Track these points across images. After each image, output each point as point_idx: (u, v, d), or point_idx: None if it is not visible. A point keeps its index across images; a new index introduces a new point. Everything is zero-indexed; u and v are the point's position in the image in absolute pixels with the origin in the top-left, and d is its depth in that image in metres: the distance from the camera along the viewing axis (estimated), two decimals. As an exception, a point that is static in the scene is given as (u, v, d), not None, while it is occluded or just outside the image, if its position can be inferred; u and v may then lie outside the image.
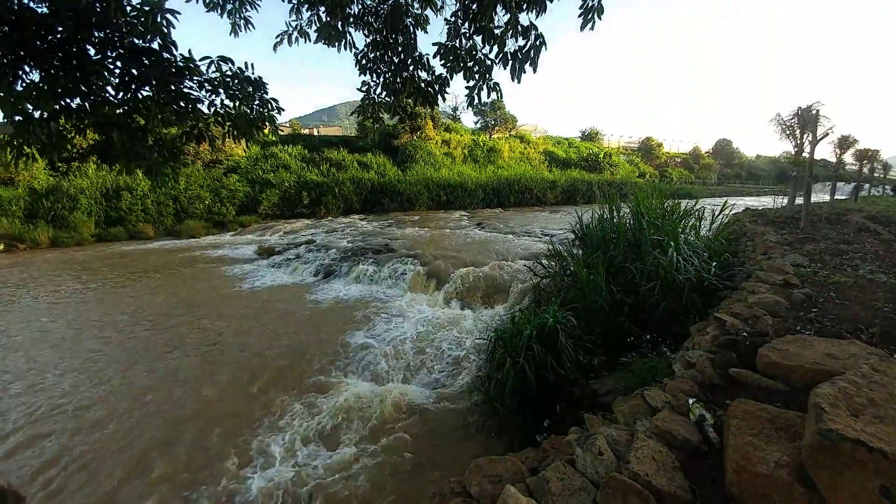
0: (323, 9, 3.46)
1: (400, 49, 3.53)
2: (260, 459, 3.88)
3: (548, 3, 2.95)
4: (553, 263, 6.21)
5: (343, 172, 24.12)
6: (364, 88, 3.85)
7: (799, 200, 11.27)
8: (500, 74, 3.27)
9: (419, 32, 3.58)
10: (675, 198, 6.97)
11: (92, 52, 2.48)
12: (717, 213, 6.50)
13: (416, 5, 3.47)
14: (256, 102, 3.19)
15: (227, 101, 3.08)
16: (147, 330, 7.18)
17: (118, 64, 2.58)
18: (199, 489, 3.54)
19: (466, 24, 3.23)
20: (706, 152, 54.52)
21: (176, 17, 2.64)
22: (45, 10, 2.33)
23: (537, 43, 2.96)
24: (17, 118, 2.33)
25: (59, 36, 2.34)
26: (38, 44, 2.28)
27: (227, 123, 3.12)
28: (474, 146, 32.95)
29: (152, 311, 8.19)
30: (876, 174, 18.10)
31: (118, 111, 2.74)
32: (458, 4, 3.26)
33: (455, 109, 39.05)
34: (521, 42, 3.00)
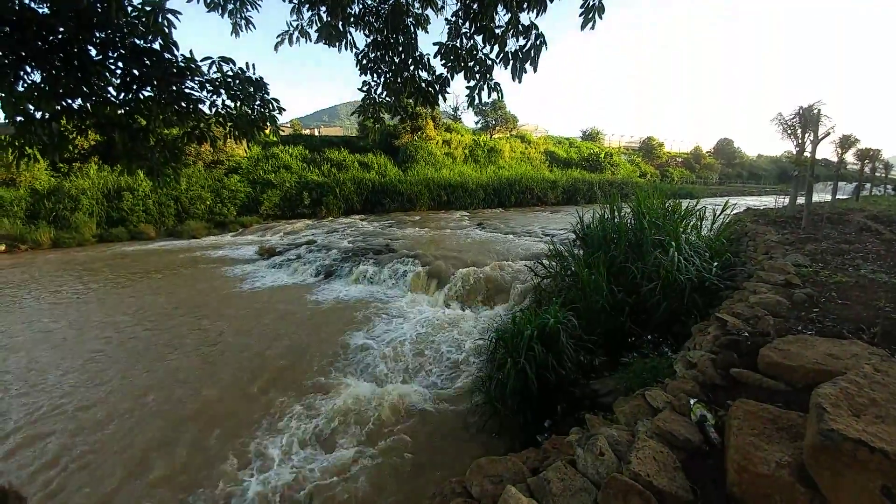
0: (324, 9, 3.47)
1: (401, 49, 3.53)
2: (258, 462, 3.87)
3: (548, 2, 2.94)
4: (554, 263, 6.20)
5: (344, 173, 24.15)
6: (365, 88, 3.85)
7: (800, 200, 11.25)
8: (501, 74, 3.27)
9: (420, 32, 3.58)
10: (677, 197, 6.97)
11: (93, 52, 2.48)
12: (718, 212, 6.49)
13: (417, 5, 3.47)
14: (257, 103, 3.19)
15: (228, 102, 3.09)
16: (148, 330, 7.19)
17: (119, 64, 2.59)
18: (197, 492, 3.53)
19: (467, 24, 3.23)
20: (707, 152, 54.48)
21: (177, 18, 2.64)
22: (46, 10, 2.33)
23: (538, 42, 2.96)
24: (18, 119, 2.34)
25: (60, 36, 2.34)
26: (40, 44, 2.28)
27: (229, 124, 3.12)
28: (475, 146, 32.96)
29: (153, 311, 8.20)
30: (877, 174, 18.06)
31: (119, 112, 2.75)
32: (458, 4, 3.26)
33: (456, 109, 39.06)
34: (521, 42, 3.00)
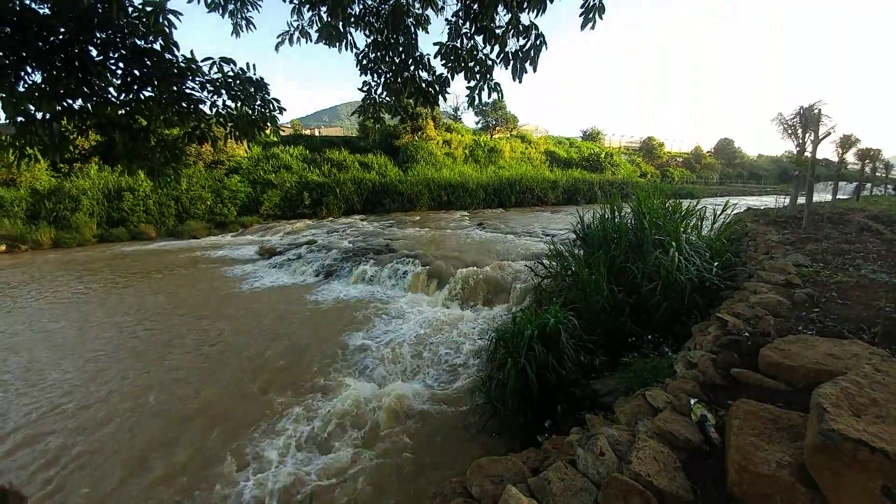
0: (324, 9, 3.47)
1: (401, 49, 3.53)
2: (257, 463, 3.87)
3: (548, 2, 2.94)
4: (554, 263, 6.20)
5: (344, 173, 24.18)
6: (365, 89, 3.85)
7: (801, 200, 11.25)
8: (501, 74, 3.28)
9: (420, 32, 3.59)
10: (677, 197, 6.96)
11: (94, 52, 2.49)
12: (718, 212, 6.49)
13: (417, 5, 3.47)
14: (258, 103, 3.20)
15: (228, 102, 3.09)
16: (148, 330, 7.20)
17: (120, 65, 2.59)
18: (195, 495, 3.52)
19: (467, 24, 3.24)
20: (708, 152, 54.46)
21: (178, 18, 2.65)
22: (46, 10, 2.34)
23: (538, 42, 2.97)
24: (19, 119, 2.34)
25: (61, 37, 2.35)
26: (40, 45, 2.28)
27: (229, 124, 3.13)
28: (475, 146, 32.97)
29: (153, 311, 8.20)
30: (878, 174, 18.03)
31: (120, 112, 2.76)
32: (458, 4, 3.26)
33: (456, 109, 39.08)
34: (521, 42, 3.01)
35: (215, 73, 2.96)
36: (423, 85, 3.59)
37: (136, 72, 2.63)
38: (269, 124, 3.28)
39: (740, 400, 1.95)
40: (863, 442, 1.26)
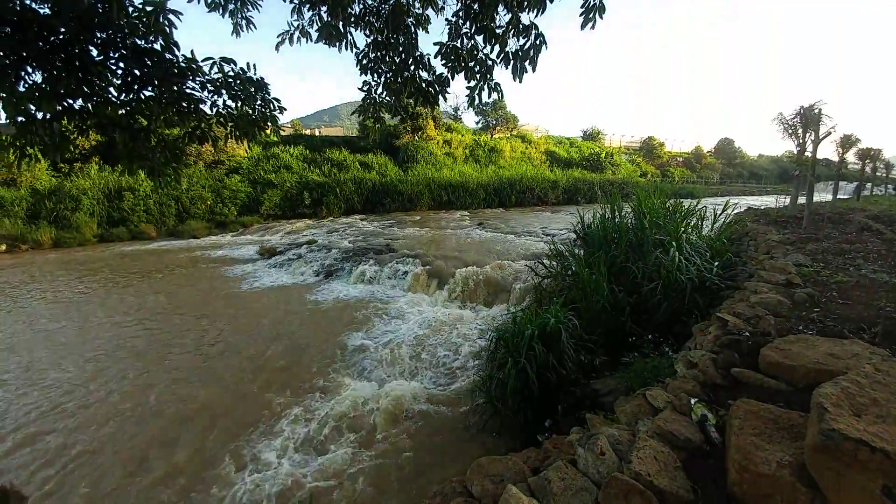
0: (324, 9, 3.47)
1: (401, 49, 3.53)
2: (256, 463, 3.86)
3: (548, 2, 2.94)
4: (554, 263, 6.20)
5: (344, 173, 24.17)
6: (365, 88, 3.85)
7: (801, 200, 11.25)
8: (501, 74, 3.28)
9: (420, 32, 3.59)
10: (677, 197, 6.95)
11: (94, 52, 2.49)
12: (719, 212, 6.49)
13: (417, 5, 3.47)
14: (258, 103, 3.20)
15: (229, 102, 3.09)
16: (148, 330, 7.20)
17: (120, 65, 2.59)
18: (191, 496, 3.52)
19: (468, 24, 3.24)
20: (708, 152, 54.42)
21: (178, 18, 2.65)
22: (47, 10, 2.34)
23: (538, 42, 2.96)
24: (19, 119, 2.34)
25: (61, 37, 2.35)
26: (41, 45, 2.28)
27: (230, 124, 3.13)
28: (475, 146, 32.96)
29: (153, 311, 8.21)
30: (878, 173, 18.02)
31: (120, 112, 2.76)
32: (459, 4, 3.26)
33: (456, 109, 39.06)
34: (521, 41, 3.01)
35: (216, 72, 2.96)
36: (423, 85, 3.59)
37: (137, 72, 2.63)
38: (269, 124, 3.28)
39: (741, 400, 1.95)
40: (863, 442, 1.26)
